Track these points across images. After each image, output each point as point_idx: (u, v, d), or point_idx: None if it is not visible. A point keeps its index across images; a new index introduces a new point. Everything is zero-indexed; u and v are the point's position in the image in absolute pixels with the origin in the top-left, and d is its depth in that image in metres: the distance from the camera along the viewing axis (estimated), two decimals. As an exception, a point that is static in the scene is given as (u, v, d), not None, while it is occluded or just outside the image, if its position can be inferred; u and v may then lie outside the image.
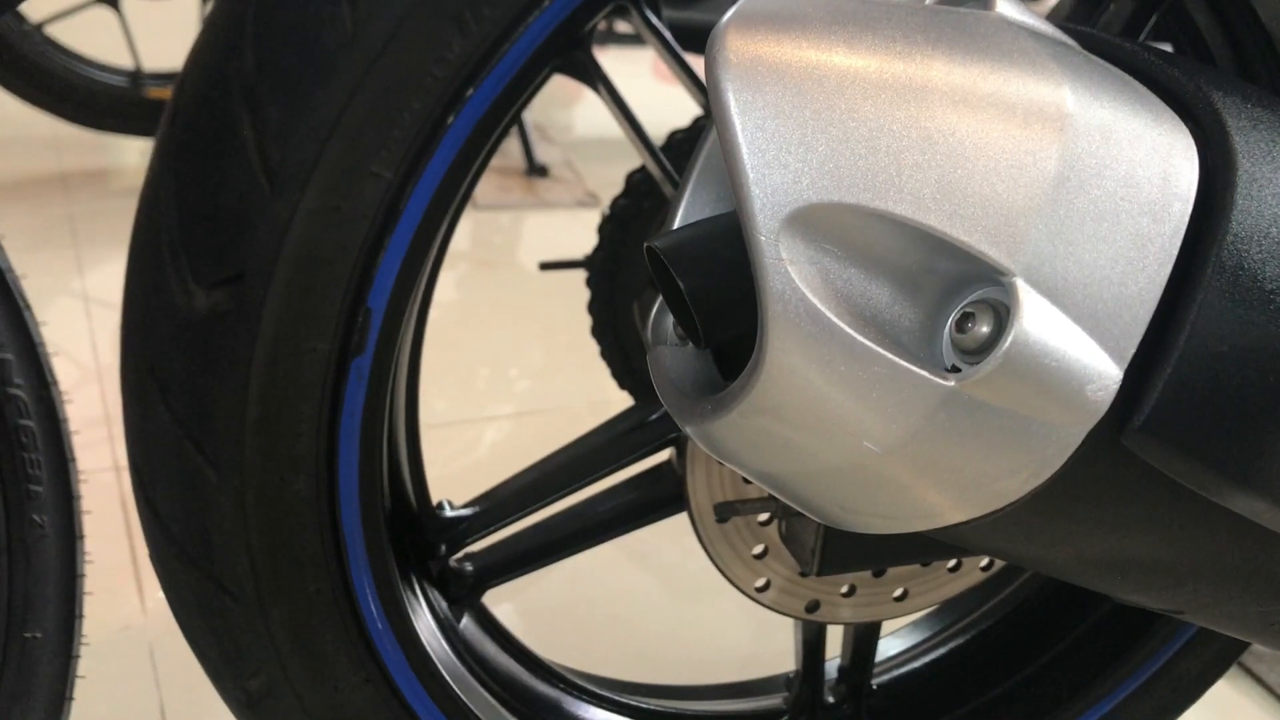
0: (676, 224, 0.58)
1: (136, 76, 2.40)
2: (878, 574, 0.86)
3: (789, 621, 0.90)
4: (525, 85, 0.69)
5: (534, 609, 1.32)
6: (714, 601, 1.35)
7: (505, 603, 1.31)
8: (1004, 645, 1.01)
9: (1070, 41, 0.52)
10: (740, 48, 0.47)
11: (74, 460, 0.74)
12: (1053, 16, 0.73)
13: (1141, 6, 0.71)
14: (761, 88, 0.46)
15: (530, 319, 2.01)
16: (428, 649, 0.79)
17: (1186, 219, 0.46)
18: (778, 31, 0.47)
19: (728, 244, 0.51)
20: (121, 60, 2.42)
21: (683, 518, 0.83)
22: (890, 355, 0.45)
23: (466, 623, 0.86)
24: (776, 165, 0.45)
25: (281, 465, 0.68)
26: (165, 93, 2.36)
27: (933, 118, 0.46)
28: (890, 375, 0.45)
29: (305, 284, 0.64)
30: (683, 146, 1.08)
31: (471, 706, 0.81)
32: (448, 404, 1.71)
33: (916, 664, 1.02)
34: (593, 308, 1.19)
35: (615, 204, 1.14)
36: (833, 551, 0.79)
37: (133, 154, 2.54)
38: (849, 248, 0.46)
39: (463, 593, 0.85)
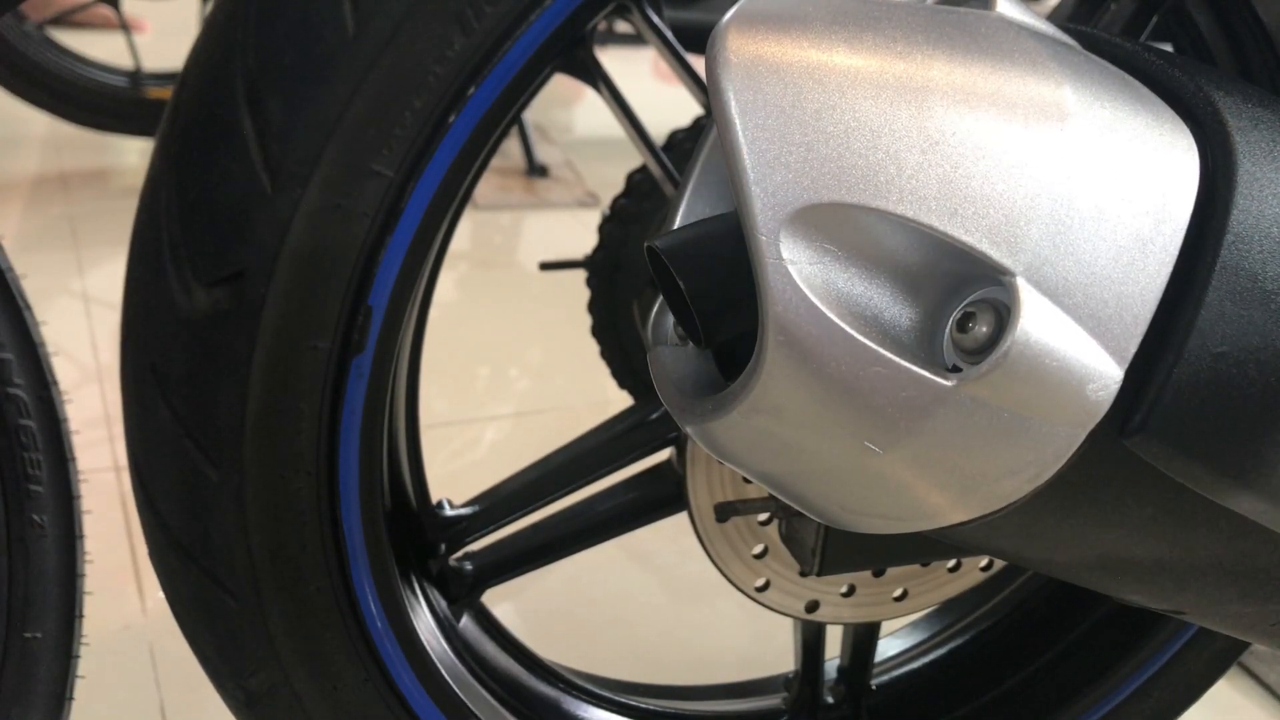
0: (677, 223, 0.58)
1: (136, 76, 2.40)
2: (878, 574, 0.86)
3: (788, 622, 0.90)
4: (526, 84, 0.69)
5: (534, 608, 1.32)
6: (714, 602, 1.35)
7: (505, 602, 1.31)
8: (1004, 645, 1.01)
9: (1071, 41, 0.52)
10: (741, 47, 0.47)
11: (74, 460, 0.74)
12: (1053, 16, 0.73)
13: (1142, 7, 0.71)
14: (762, 87, 0.46)
15: (530, 319, 2.01)
16: (427, 648, 0.79)
17: (1187, 219, 0.46)
18: (778, 31, 0.47)
19: (728, 244, 0.51)
20: (121, 60, 2.42)
21: (683, 518, 0.83)
22: (891, 355, 0.45)
23: (466, 622, 0.86)
24: (777, 165, 0.45)
25: (282, 463, 0.68)
26: (165, 93, 2.36)
27: (933, 118, 0.46)
28: (891, 375, 0.45)
29: (306, 282, 0.64)
30: (683, 146, 1.09)
31: (471, 706, 0.81)
32: (448, 404, 1.71)
33: (916, 664, 1.02)
34: (593, 308, 1.19)
35: (615, 204, 1.14)
36: (833, 551, 0.79)
37: (133, 154, 2.54)
38: (850, 248, 0.46)
39: (462, 592, 0.85)
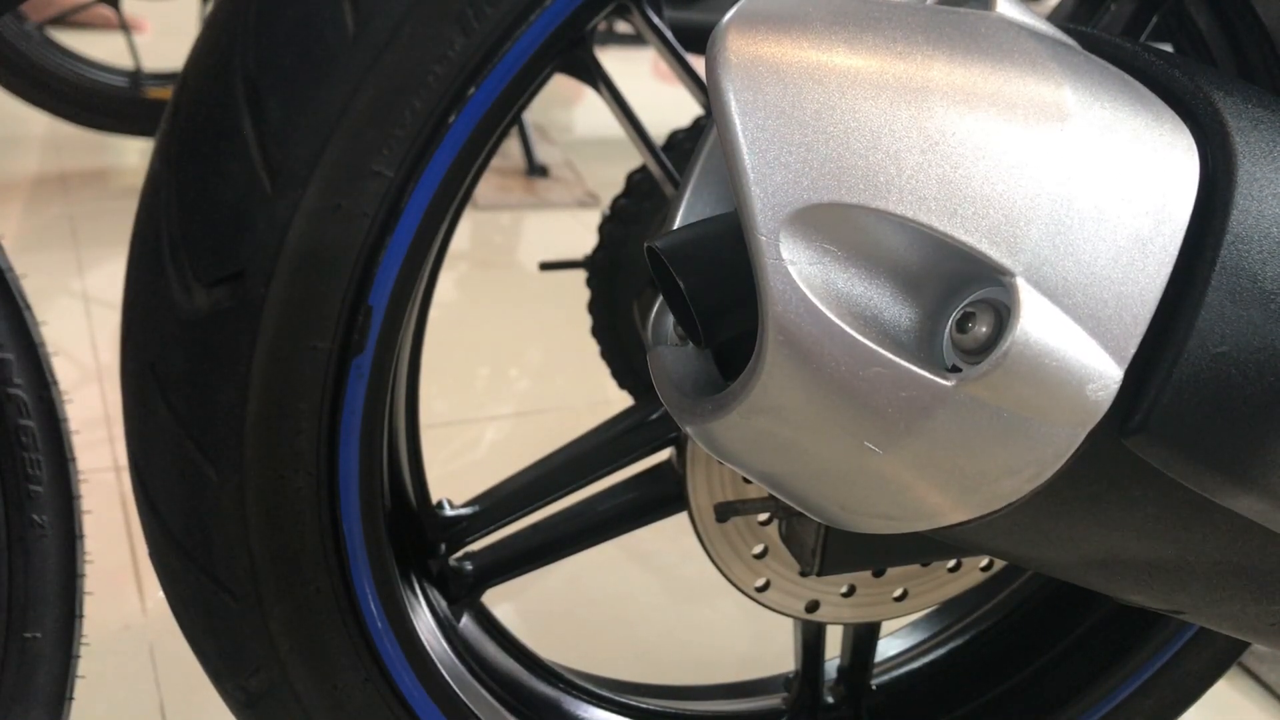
0: (677, 224, 0.58)
1: (136, 76, 2.40)
2: (878, 574, 0.86)
3: (788, 622, 0.90)
4: (526, 84, 0.69)
5: (534, 609, 1.32)
6: (714, 602, 1.35)
7: (505, 602, 1.31)
8: (1004, 645, 1.01)
9: (1071, 42, 0.52)
10: (741, 48, 0.47)
11: (74, 460, 0.74)
12: (1053, 17, 0.73)
13: (1142, 7, 0.71)
14: (762, 88, 0.46)
15: (530, 319, 2.01)
16: (427, 648, 0.79)
17: (1187, 219, 0.46)
18: (778, 31, 0.47)
19: (728, 244, 0.51)
20: (121, 60, 2.42)
21: (683, 518, 0.83)
22: (890, 355, 0.45)
23: (466, 622, 0.86)
24: (777, 165, 0.45)
25: (281, 464, 0.68)
26: (165, 93, 2.36)
27: (933, 118, 0.46)
28: (890, 375, 0.45)
29: (306, 282, 0.64)
30: (683, 146, 1.09)
31: (471, 706, 0.81)
32: (448, 404, 1.71)
33: (916, 664, 1.02)
34: (593, 308, 1.19)
35: (615, 204, 1.14)
36: (833, 551, 0.79)
37: (133, 154, 2.54)
38: (849, 248, 0.46)
39: (462, 592, 0.85)
